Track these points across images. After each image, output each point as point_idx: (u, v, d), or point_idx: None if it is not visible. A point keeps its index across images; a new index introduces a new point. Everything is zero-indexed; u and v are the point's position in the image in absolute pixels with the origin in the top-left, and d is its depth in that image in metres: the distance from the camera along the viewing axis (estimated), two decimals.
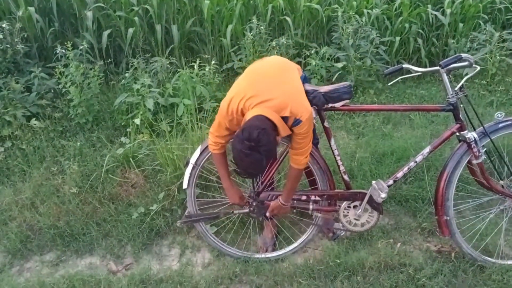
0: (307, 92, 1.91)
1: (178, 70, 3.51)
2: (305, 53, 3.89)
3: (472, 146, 1.97)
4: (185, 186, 2.21)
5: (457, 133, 2.02)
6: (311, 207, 2.14)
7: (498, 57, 3.80)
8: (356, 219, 2.13)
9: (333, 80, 3.75)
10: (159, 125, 3.09)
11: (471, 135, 1.97)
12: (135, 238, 2.41)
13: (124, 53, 3.98)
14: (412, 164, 2.08)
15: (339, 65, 3.76)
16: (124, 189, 2.65)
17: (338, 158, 2.11)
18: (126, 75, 3.45)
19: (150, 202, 2.57)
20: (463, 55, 1.89)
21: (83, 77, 3.26)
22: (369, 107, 2.28)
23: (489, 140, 2.01)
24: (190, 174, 2.19)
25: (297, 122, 1.75)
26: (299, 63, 3.91)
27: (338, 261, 2.19)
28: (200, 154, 2.17)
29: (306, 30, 4.23)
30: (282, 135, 1.77)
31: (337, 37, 3.98)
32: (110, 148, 2.95)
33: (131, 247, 2.39)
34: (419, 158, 2.06)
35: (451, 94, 1.95)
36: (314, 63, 3.70)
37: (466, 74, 2.10)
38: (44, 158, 2.96)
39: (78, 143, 3.04)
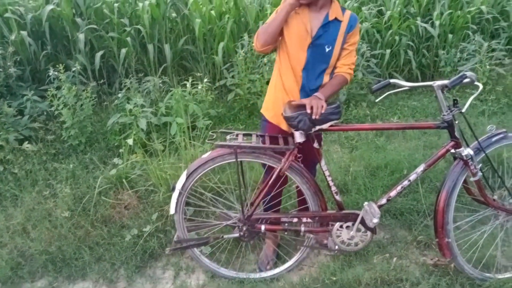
0: (291, 117, 1.84)
1: (171, 89, 3.52)
2: None
3: (469, 163, 1.91)
4: (172, 211, 2.13)
5: (453, 151, 1.96)
6: (302, 229, 2.11)
7: (488, 67, 3.84)
8: (349, 239, 2.11)
9: None
10: (152, 145, 3.09)
11: (467, 152, 1.90)
12: (128, 261, 2.37)
13: (117, 73, 4.00)
14: (405, 182, 2.03)
15: None
16: (117, 211, 2.63)
17: (329, 179, 2.06)
18: (119, 95, 3.46)
19: (143, 224, 2.54)
20: (468, 73, 1.85)
21: (75, 99, 3.26)
22: (361, 126, 2.16)
23: (483, 155, 1.96)
24: (177, 200, 2.12)
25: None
26: None
27: (334, 278, 2.15)
28: (186, 179, 2.07)
29: None
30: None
31: None
32: (103, 170, 2.94)
33: (124, 270, 2.35)
34: (413, 176, 2.02)
35: (446, 111, 1.90)
36: None
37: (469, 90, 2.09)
38: (36, 181, 2.93)
39: (71, 165, 3.02)
